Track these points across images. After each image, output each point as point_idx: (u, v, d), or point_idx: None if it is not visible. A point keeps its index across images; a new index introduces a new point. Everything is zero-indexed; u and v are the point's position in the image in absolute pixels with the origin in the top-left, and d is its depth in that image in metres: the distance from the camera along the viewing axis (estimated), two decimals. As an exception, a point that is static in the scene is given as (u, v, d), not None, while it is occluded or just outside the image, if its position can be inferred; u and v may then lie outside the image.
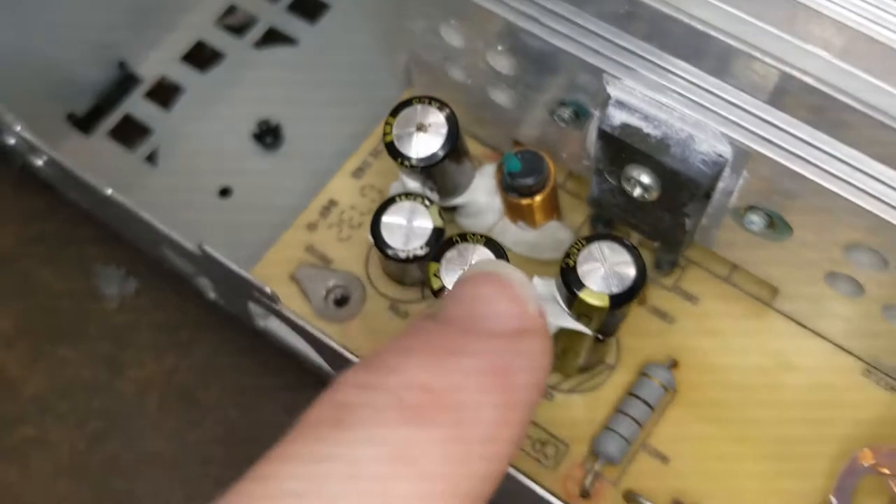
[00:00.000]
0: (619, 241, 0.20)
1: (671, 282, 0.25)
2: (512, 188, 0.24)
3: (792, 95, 0.18)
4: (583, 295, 0.20)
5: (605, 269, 0.20)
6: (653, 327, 0.25)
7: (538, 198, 0.24)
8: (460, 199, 0.25)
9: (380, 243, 0.23)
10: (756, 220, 0.21)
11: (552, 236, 0.25)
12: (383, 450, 0.13)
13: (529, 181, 0.23)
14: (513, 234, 0.25)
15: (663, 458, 0.23)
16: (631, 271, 0.20)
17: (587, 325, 0.21)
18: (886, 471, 0.21)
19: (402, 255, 0.22)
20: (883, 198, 0.19)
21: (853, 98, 0.17)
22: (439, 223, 0.23)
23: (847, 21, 0.17)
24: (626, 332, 0.24)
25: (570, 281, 0.20)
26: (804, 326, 0.24)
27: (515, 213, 0.25)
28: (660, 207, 0.22)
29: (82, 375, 0.30)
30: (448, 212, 0.25)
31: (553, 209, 0.25)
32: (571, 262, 0.20)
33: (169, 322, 0.30)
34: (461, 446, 0.13)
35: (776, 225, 0.21)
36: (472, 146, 0.27)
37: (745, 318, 0.25)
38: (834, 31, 0.17)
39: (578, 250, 0.20)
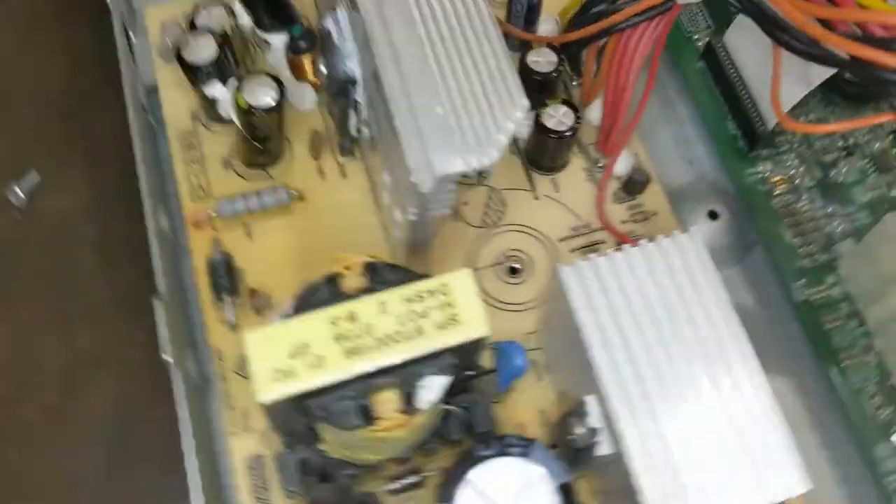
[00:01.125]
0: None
1: (343, 160, 0.38)
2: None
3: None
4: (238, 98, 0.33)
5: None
6: (314, 176, 0.38)
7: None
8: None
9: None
10: (364, 132, 0.34)
11: (301, 93, 0.38)
12: None
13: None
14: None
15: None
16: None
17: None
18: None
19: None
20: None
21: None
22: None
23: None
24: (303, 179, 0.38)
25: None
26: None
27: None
28: (333, 101, 0.35)
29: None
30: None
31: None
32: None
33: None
34: None
35: (374, 137, 0.34)
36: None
37: (360, 192, 0.37)
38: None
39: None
